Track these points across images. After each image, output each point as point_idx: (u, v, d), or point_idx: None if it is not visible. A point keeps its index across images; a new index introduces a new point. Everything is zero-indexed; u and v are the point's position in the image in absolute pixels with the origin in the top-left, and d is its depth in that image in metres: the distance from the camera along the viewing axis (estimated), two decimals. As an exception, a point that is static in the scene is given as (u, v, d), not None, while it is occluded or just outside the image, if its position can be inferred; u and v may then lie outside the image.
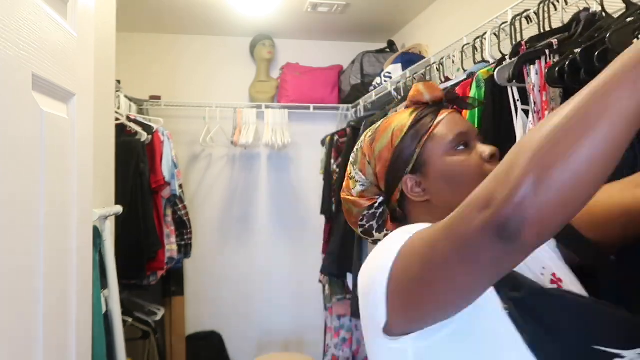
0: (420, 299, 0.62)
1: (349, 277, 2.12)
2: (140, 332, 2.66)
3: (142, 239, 2.34)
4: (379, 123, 0.86)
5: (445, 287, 0.58)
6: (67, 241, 0.98)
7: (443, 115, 0.81)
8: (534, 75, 1.20)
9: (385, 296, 0.65)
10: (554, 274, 0.76)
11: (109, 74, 1.77)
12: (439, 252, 0.57)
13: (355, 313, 2.06)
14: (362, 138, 0.87)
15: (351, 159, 0.87)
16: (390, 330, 0.66)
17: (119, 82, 2.46)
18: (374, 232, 0.86)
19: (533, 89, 1.20)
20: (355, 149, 0.87)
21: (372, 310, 0.68)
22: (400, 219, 0.84)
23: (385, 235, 0.85)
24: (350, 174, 0.87)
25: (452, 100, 0.85)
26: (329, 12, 3.03)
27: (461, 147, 0.78)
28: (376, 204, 0.85)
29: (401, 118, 0.83)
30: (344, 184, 0.88)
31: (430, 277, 0.59)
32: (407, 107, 0.87)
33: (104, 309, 1.50)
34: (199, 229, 3.44)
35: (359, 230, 0.88)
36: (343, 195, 0.88)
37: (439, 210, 0.77)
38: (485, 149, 0.78)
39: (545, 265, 0.77)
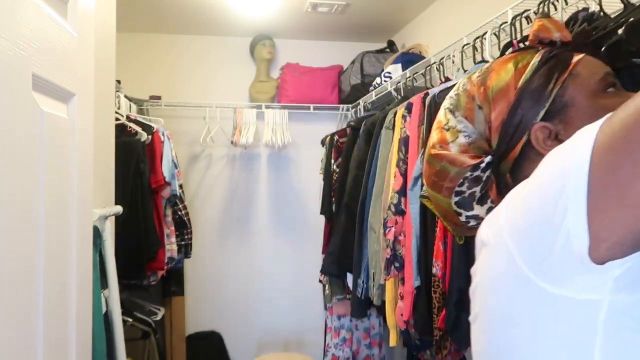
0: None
1: (349, 277, 2.12)
2: (140, 332, 2.66)
3: (142, 239, 2.34)
4: (487, 64, 0.69)
5: None
6: (67, 241, 0.98)
7: (578, 56, 0.64)
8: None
9: (585, 194, 0.44)
10: None
11: (109, 74, 1.77)
12: None
13: (355, 313, 2.06)
14: (461, 81, 0.70)
15: (448, 105, 0.69)
16: (594, 249, 0.44)
17: (119, 82, 2.46)
18: (474, 203, 0.66)
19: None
20: (452, 94, 0.69)
21: (551, 230, 0.47)
22: (507, 191, 0.58)
23: (490, 209, 0.66)
24: (447, 123, 0.68)
25: (582, 44, 0.67)
26: (329, 12, 3.03)
27: (611, 89, 0.63)
28: (483, 164, 0.64)
29: (523, 56, 0.65)
30: (436, 138, 0.69)
31: None
32: (524, 48, 0.70)
33: (104, 309, 1.50)
34: (199, 229, 3.45)
35: (455, 199, 0.67)
36: (433, 151, 0.69)
37: None
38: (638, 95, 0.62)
39: None
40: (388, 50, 3.31)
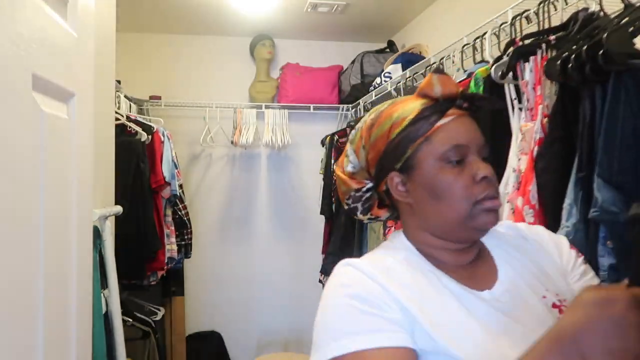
0: None
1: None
2: (140, 332, 2.66)
3: (142, 239, 2.34)
4: (385, 105, 0.81)
5: None
6: (67, 241, 0.98)
7: (449, 117, 0.74)
8: (528, 72, 1.20)
9: None
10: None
11: (109, 74, 1.77)
12: None
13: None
14: (365, 117, 0.83)
15: (350, 136, 0.85)
16: None
17: (119, 82, 2.46)
18: (358, 213, 0.85)
19: (527, 86, 1.20)
20: (356, 127, 0.84)
21: None
22: (388, 207, 0.84)
23: (369, 219, 0.87)
24: (346, 151, 0.85)
25: (468, 98, 0.76)
26: (329, 12, 3.03)
27: (454, 161, 0.73)
28: (364, 189, 0.83)
29: (406, 108, 0.77)
30: (340, 158, 0.87)
31: None
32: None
33: (104, 309, 1.50)
34: (199, 229, 3.44)
35: (345, 206, 0.87)
36: (336, 169, 0.87)
37: (418, 217, 0.77)
38: (479, 169, 0.72)
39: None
40: (388, 50, 3.31)
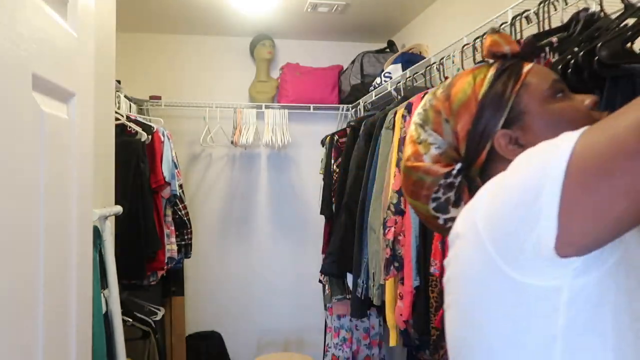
0: (610, 199, 0.50)
1: (349, 277, 2.12)
2: (140, 332, 2.66)
3: (142, 239, 2.34)
4: (447, 81, 0.77)
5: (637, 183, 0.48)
6: (67, 241, 0.98)
7: (528, 66, 0.73)
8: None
9: (558, 202, 0.52)
10: None
11: (109, 74, 1.77)
12: (632, 142, 0.48)
13: (355, 313, 2.06)
14: (427, 98, 0.78)
15: (418, 120, 0.77)
16: (560, 249, 0.53)
17: (119, 82, 2.46)
18: (450, 206, 0.73)
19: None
20: (420, 110, 0.77)
21: (524, 229, 0.54)
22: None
23: (453, 218, 0.75)
24: (418, 137, 0.76)
25: (530, 53, 0.76)
26: (329, 12, 3.03)
27: (560, 95, 0.70)
28: (454, 171, 0.72)
29: (479, 70, 0.74)
30: (410, 151, 0.76)
31: (625, 168, 0.49)
32: (477, 64, 0.80)
33: (104, 309, 1.50)
34: (199, 229, 3.45)
35: (432, 205, 0.74)
36: (409, 163, 0.76)
37: None
38: (585, 98, 0.71)
39: None
40: (388, 50, 3.31)
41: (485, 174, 0.71)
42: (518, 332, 0.58)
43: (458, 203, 0.74)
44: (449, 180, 0.73)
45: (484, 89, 0.71)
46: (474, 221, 0.61)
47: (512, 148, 0.69)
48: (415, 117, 0.78)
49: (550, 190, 0.52)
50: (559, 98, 0.70)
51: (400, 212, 1.69)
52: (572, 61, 1.04)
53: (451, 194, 0.73)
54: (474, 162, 0.72)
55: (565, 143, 0.53)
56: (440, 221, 0.76)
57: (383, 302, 1.83)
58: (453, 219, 0.71)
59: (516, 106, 0.70)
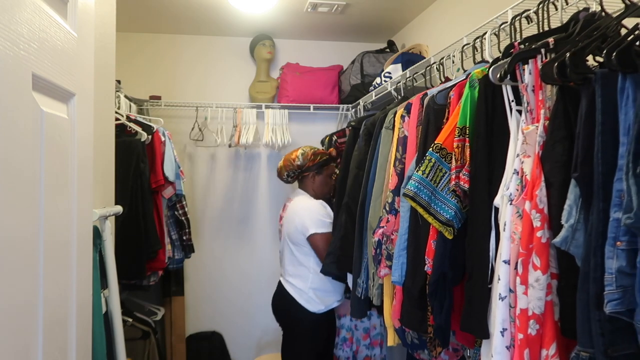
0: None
1: (349, 277, 2.12)
2: (140, 332, 2.66)
3: (142, 239, 2.34)
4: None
5: None
6: (67, 241, 0.98)
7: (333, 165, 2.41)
8: (527, 75, 1.20)
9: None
10: None
11: (109, 74, 1.77)
12: None
13: (354, 313, 2.06)
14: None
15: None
16: None
17: (119, 82, 2.46)
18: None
19: (526, 89, 1.20)
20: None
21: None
22: None
23: None
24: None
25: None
26: (329, 12, 3.03)
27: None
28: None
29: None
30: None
31: None
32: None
33: (104, 309, 1.50)
34: (199, 229, 3.45)
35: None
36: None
37: None
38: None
39: None
40: (388, 50, 3.31)
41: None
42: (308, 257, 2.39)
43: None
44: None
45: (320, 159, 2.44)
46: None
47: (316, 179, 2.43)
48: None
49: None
50: (330, 180, 2.52)
51: (394, 212, 1.70)
52: (565, 59, 1.04)
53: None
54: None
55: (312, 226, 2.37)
56: None
57: (383, 302, 1.83)
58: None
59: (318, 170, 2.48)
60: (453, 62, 1.92)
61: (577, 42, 1.08)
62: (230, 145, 3.35)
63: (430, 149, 1.43)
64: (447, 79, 1.90)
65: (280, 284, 2.56)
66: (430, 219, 1.41)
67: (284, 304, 2.50)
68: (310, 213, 2.42)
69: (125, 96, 2.73)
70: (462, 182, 1.35)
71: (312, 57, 3.56)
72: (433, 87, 1.94)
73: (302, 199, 2.53)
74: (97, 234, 1.45)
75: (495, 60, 1.33)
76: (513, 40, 1.51)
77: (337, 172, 2.62)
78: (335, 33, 3.47)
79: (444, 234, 1.38)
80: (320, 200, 2.52)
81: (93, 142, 1.16)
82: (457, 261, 1.39)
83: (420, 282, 1.51)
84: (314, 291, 2.41)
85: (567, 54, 1.04)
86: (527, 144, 1.16)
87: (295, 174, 2.56)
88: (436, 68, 2.03)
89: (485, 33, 1.68)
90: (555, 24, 1.37)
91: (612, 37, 1.04)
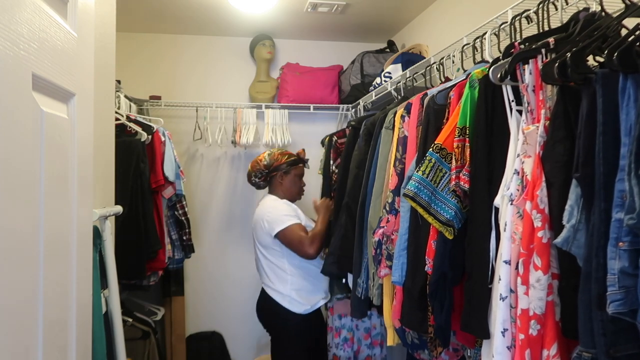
0: None
1: (349, 277, 2.12)
2: (140, 332, 2.66)
3: (142, 239, 2.34)
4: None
5: None
6: (67, 241, 0.98)
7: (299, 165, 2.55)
8: (528, 75, 1.19)
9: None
10: None
11: (109, 74, 1.77)
12: None
13: (355, 313, 2.06)
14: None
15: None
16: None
17: (119, 82, 2.46)
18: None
19: (527, 89, 1.20)
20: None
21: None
22: None
23: None
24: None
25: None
26: (329, 12, 3.03)
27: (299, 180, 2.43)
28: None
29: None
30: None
31: None
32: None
33: (104, 309, 1.50)
34: (199, 229, 3.44)
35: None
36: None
37: None
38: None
39: None
40: (388, 50, 3.30)
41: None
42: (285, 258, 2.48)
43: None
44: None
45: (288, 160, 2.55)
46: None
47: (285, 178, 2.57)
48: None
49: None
50: (298, 180, 2.62)
51: (394, 212, 1.69)
52: (565, 60, 1.04)
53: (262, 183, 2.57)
54: None
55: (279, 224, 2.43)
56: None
57: (383, 302, 1.83)
58: None
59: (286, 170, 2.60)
60: (453, 62, 1.92)
61: (578, 42, 1.08)
62: (234, 143, 3.35)
63: (430, 149, 1.43)
64: (447, 79, 1.90)
65: (262, 290, 2.55)
66: (430, 219, 1.40)
67: (270, 308, 2.48)
68: (272, 213, 2.41)
69: (125, 96, 2.73)
70: (462, 182, 1.35)
71: (312, 57, 3.56)
72: (433, 87, 1.93)
73: (267, 200, 2.52)
74: (97, 234, 1.45)
75: (496, 60, 1.33)
76: (513, 40, 1.51)
77: (336, 171, 2.62)
78: (335, 33, 3.47)
79: (444, 234, 1.38)
80: (285, 200, 2.51)
81: (93, 142, 1.16)
82: (457, 261, 1.39)
83: (420, 282, 1.51)
84: (296, 292, 2.41)
85: (568, 54, 1.04)
86: (528, 144, 1.16)
87: (263, 174, 2.53)
88: (436, 68, 2.03)
89: (485, 33, 1.68)
90: (555, 24, 1.37)
91: (612, 37, 1.04)
